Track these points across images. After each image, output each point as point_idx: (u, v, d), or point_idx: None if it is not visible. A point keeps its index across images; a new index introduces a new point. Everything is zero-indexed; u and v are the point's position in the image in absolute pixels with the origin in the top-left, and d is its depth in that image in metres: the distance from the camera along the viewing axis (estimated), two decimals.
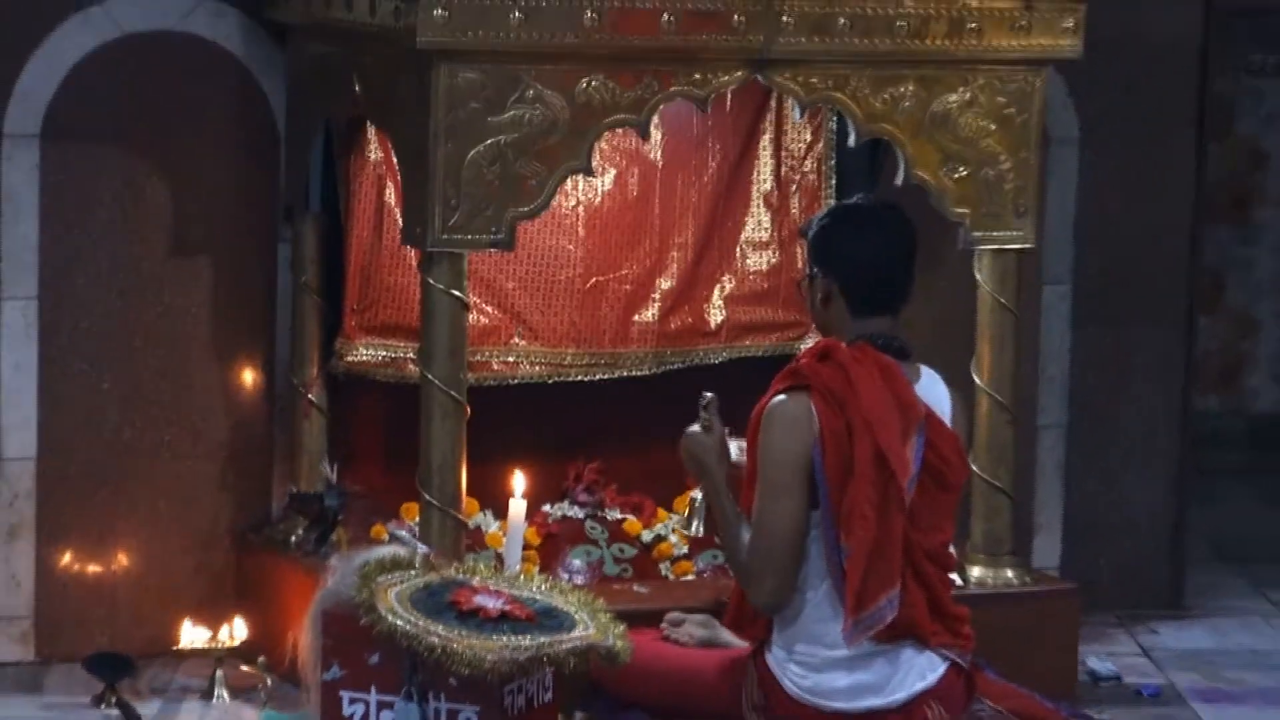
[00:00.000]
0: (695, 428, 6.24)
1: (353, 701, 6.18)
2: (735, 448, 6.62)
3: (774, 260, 7.49)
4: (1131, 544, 7.95)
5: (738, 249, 7.57)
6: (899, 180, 6.91)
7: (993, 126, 6.82)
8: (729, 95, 6.93)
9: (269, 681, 6.90)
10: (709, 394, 6.28)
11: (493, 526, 6.79)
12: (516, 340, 7.29)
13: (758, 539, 6.10)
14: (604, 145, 6.77)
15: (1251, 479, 9.72)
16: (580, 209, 7.26)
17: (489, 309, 7.09)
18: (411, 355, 6.75)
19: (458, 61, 6.40)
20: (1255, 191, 10.26)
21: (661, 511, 7.26)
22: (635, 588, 6.95)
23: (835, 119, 7.16)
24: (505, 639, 6.04)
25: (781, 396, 6.01)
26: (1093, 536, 7.82)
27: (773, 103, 7.28)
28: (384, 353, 7.20)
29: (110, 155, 7.23)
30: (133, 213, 7.26)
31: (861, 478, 6.03)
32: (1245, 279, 10.26)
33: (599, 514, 7.21)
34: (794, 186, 7.56)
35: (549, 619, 6.18)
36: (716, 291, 7.55)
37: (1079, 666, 7.12)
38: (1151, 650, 7.62)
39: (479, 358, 6.90)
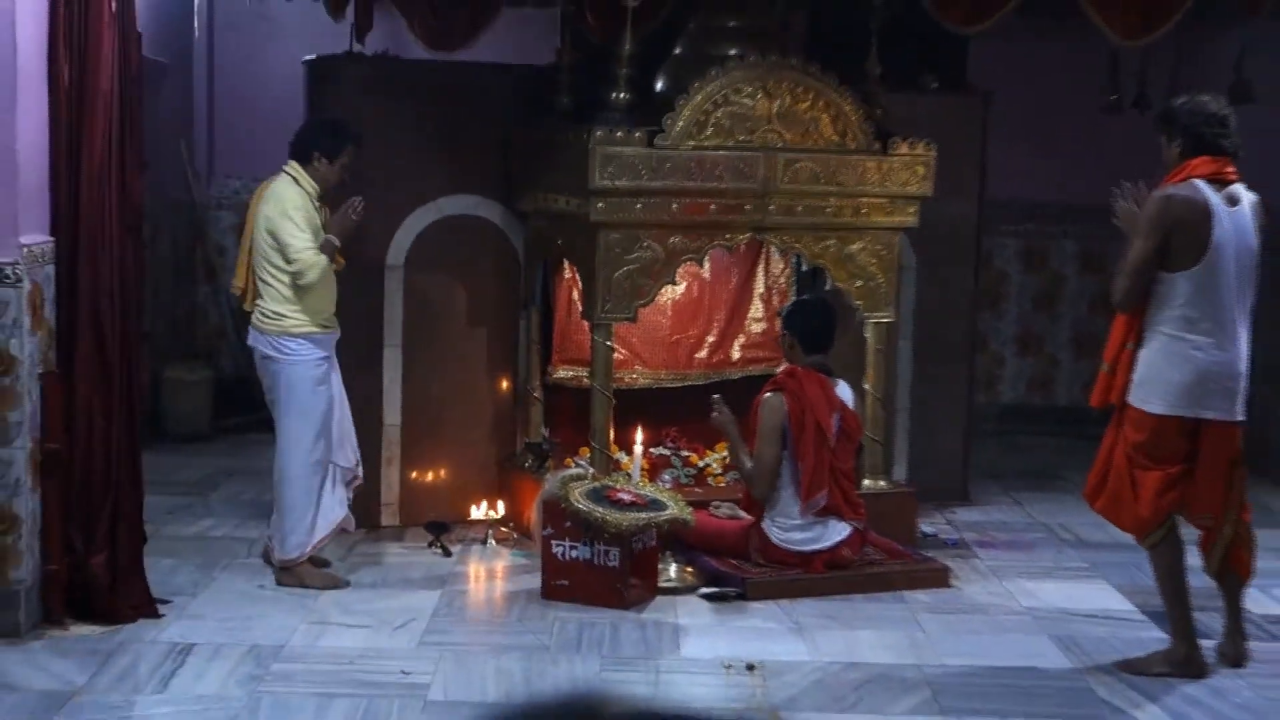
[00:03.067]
0: (715, 413, 6.75)
1: (556, 546, 6.50)
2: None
3: (765, 326, 7.96)
4: (943, 468, 8.29)
5: (746, 320, 8.01)
6: (828, 286, 7.37)
7: (875, 261, 7.22)
8: (743, 245, 7.26)
9: (515, 536, 7.36)
10: (716, 395, 6.84)
11: (625, 459, 7.09)
12: (637, 368, 7.75)
13: (757, 464, 6.77)
14: (681, 269, 7.13)
15: (999, 438, 9.88)
16: (669, 301, 7.72)
17: (623, 351, 7.52)
18: (585, 374, 7.19)
19: (610, 230, 6.80)
20: (1003, 297, 10.51)
21: (707, 451, 7.67)
22: (694, 489, 7.32)
23: (795, 257, 7.59)
24: (632, 514, 6.44)
25: (769, 394, 6.77)
26: (924, 464, 8.17)
27: (764, 249, 7.69)
28: (572, 373, 7.62)
29: (436, 274, 7.57)
30: (451, 305, 7.61)
31: (807, 435, 6.69)
32: (995, 338, 10.55)
33: (677, 453, 7.63)
34: (774, 290, 8.03)
35: (654, 504, 6.60)
36: (736, 343, 8.02)
37: (917, 529, 7.54)
38: (952, 521, 8.06)
39: (618, 376, 7.23)
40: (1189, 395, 5.55)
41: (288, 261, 6.35)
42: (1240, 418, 5.66)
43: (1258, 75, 8.51)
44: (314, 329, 6.48)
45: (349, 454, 6.73)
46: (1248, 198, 5.60)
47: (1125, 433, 5.68)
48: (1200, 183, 5.52)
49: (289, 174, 6.51)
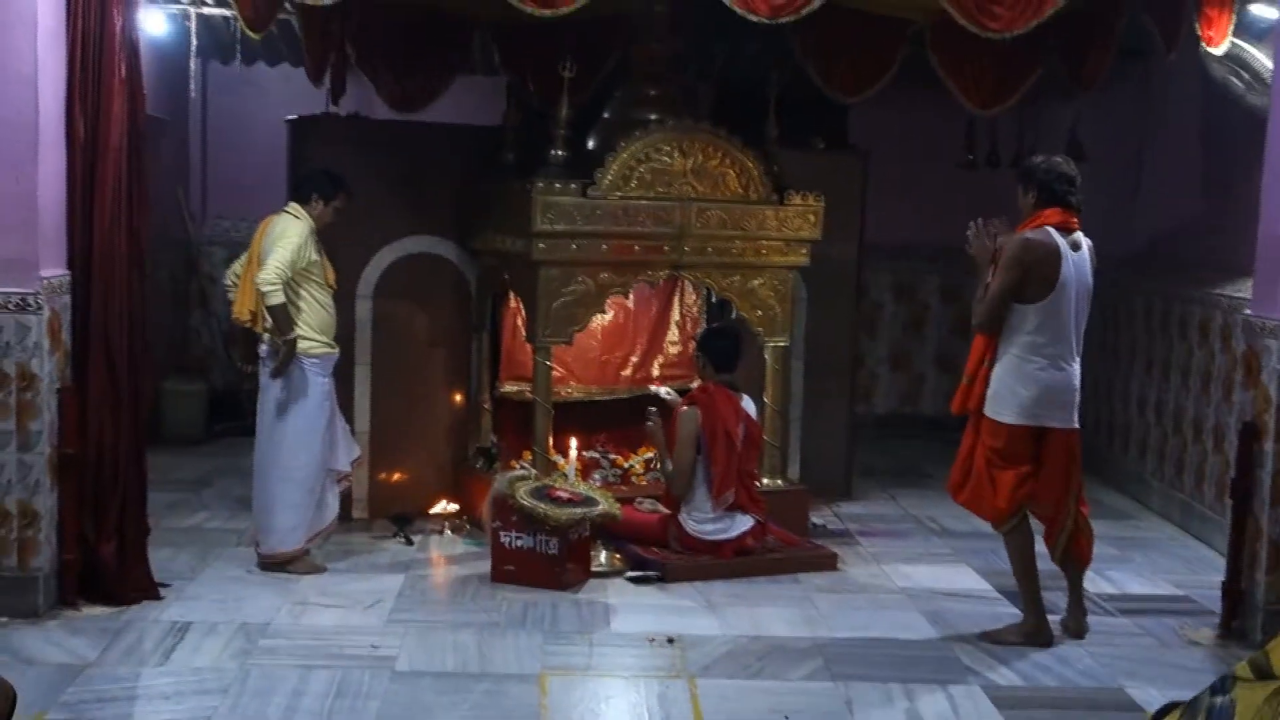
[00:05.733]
0: (649, 423, 6.79)
1: (504, 536, 6.47)
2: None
3: (680, 349, 7.94)
4: (829, 468, 8.26)
5: (665, 343, 7.97)
6: (734, 315, 7.33)
7: (773, 294, 7.22)
8: (662, 279, 7.29)
9: (468, 527, 7.31)
10: (652, 408, 6.94)
11: (562, 461, 6.98)
12: (572, 383, 7.64)
13: (677, 465, 6.82)
14: (609, 300, 7.11)
15: (875, 442, 9.85)
16: (599, 326, 7.63)
17: (560, 369, 7.38)
18: (528, 389, 7.15)
19: (549, 266, 6.78)
20: (878, 323, 10.60)
21: (631, 455, 7.63)
22: (620, 488, 7.25)
23: (706, 290, 7.53)
24: (569, 509, 6.44)
25: (685, 408, 6.89)
26: (813, 465, 8.12)
27: (680, 283, 7.70)
28: (517, 388, 7.54)
29: (400, 302, 7.50)
30: (413, 329, 7.54)
31: (718, 442, 6.77)
32: (872, 357, 10.61)
33: (606, 456, 7.57)
34: (688, 318, 8.01)
35: (587, 500, 6.59)
36: (656, 362, 7.97)
37: (809, 521, 7.50)
38: (838, 513, 8.05)
39: (555, 390, 7.13)
40: (1034, 407, 5.64)
41: (260, 270, 6.27)
42: (1075, 426, 5.76)
43: (1087, 137, 8.71)
44: (325, 349, 6.47)
45: (343, 458, 6.69)
46: (1086, 243, 5.73)
47: (983, 439, 5.75)
48: (1052, 229, 5.61)
49: (290, 212, 6.46)
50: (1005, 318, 5.64)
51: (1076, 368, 5.71)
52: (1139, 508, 8.40)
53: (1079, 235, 5.69)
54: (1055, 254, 5.58)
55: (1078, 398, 5.75)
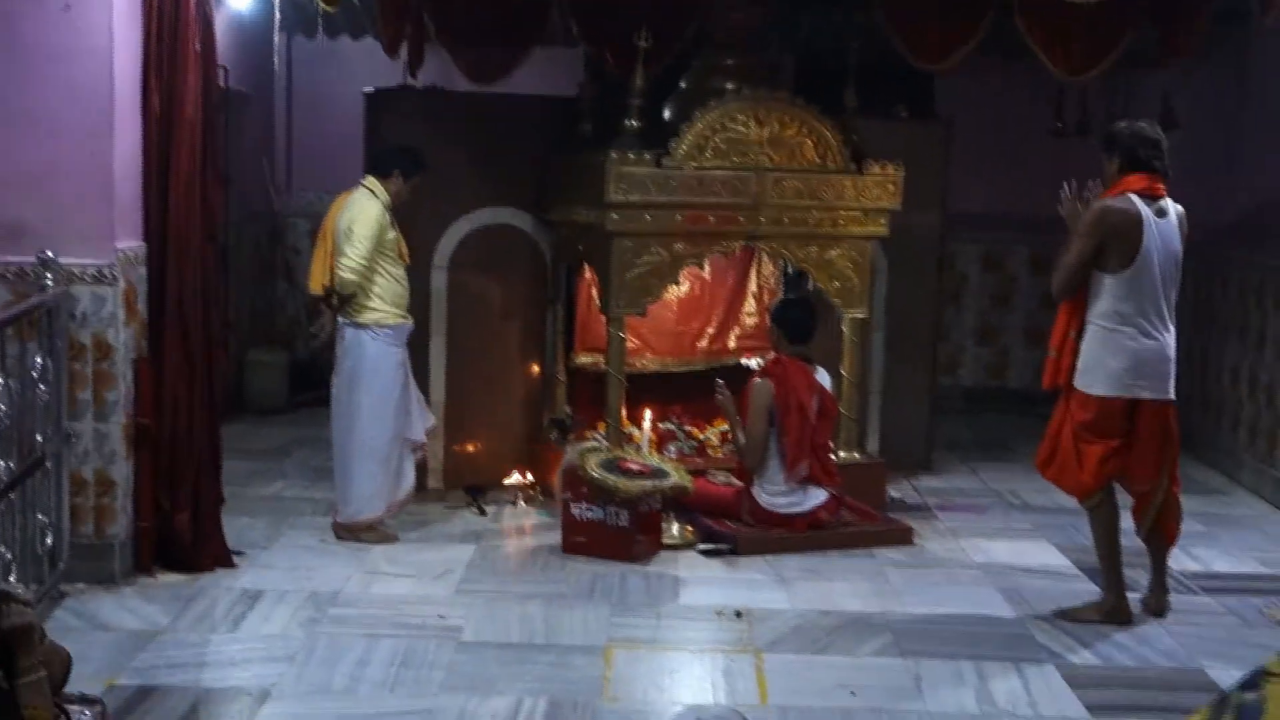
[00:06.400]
0: (719, 395, 6.75)
1: (574, 508, 6.48)
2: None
3: (756, 320, 7.86)
4: (909, 442, 8.19)
5: (741, 315, 7.92)
6: (810, 286, 7.32)
7: (850, 265, 7.14)
8: (738, 250, 7.25)
9: (540, 499, 7.33)
10: (720, 380, 6.87)
11: (636, 433, 7.04)
12: (647, 355, 7.65)
13: (749, 439, 6.77)
14: (684, 271, 7.10)
15: (960, 415, 9.84)
16: (675, 297, 7.63)
17: (635, 340, 7.39)
18: (602, 361, 7.07)
19: (623, 238, 6.77)
20: (964, 294, 10.47)
21: (707, 427, 7.59)
22: (695, 459, 7.24)
23: (783, 261, 7.39)
24: (639, 481, 6.44)
25: (758, 380, 6.85)
26: (893, 438, 8.08)
27: (756, 253, 7.59)
28: (591, 359, 7.52)
29: (476, 274, 7.52)
30: (488, 300, 7.54)
31: (791, 414, 6.73)
32: (958, 329, 10.47)
33: (682, 428, 7.54)
34: (765, 289, 7.94)
35: (658, 473, 6.59)
36: (733, 334, 7.93)
37: (886, 494, 7.46)
38: (917, 487, 7.96)
39: (630, 362, 7.13)
40: (1125, 378, 5.51)
41: (338, 259, 6.35)
42: (1170, 397, 5.60)
43: (1182, 106, 8.48)
44: (398, 320, 6.49)
45: (418, 428, 6.70)
46: (1174, 211, 5.57)
47: (1072, 411, 5.63)
48: (1134, 196, 5.48)
49: (367, 188, 6.49)
50: (1084, 285, 5.52)
51: (1170, 337, 5.56)
52: (1229, 483, 8.23)
53: (1166, 202, 5.54)
54: (1136, 221, 5.45)
55: (1172, 368, 5.60)
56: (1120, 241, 5.45)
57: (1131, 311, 5.47)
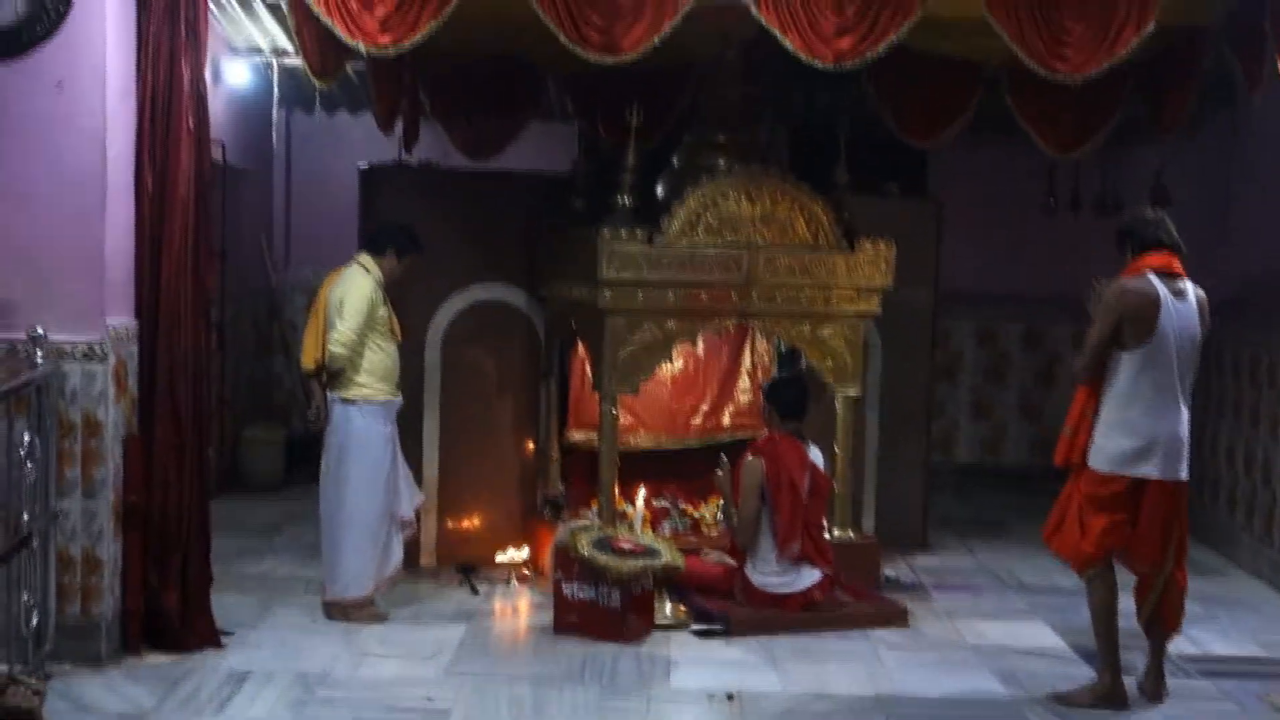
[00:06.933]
0: (719, 472, 6.67)
1: (566, 587, 6.43)
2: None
3: (750, 398, 7.82)
4: (904, 519, 8.15)
5: (736, 391, 7.88)
6: (803, 364, 7.28)
7: (844, 343, 7.09)
8: (732, 328, 7.22)
9: (533, 577, 7.27)
10: (724, 456, 6.81)
11: (630, 510, 6.97)
12: (642, 431, 7.63)
13: (740, 515, 6.72)
14: (677, 348, 7.08)
15: (955, 492, 9.79)
16: (669, 374, 7.63)
17: (629, 417, 7.42)
18: (594, 438, 7.07)
19: (615, 315, 6.74)
20: (959, 370, 10.46)
21: (701, 504, 7.53)
22: (689, 538, 7.20)
23: (776, 338, 7.35)
24: (631, 561, 6.37)
25: (749, 458, 6.80)
26: (889, 516, 8.01)
27: (751, 330, 7.51)
28: (585, 436, 7.50)
29: (469, 349, 7.51)
30: (481, 376, 7.55)
31: (783, 492, 6.67)
32: (953, 405, 10.41)
33: (676, 505, 7.49)
34: (759, 365, 7.92)
35: (650, 551, 6.52)
36: (727, 411, 7.88)
37: (880, 573, 7.36)
38: (913, 566, 7.90)
39: (625, 438, 7.19)
40: (1134, 457, 5.50)
41: (329, 333, 6.36)
42: (1180, 478, 5.57)
43: (1174, 182, 8.52)
44: (387, 396, 6.48)
45: (406, 505, 6.66)
46: (1194, 293, 5.58)
47: (1081, 485, 5.63)
48: (1152, 276, 5.50)
49: (360, 264, 6.51)
50: (1104, 366, 5.52)
51: (1183, 418, 5.54)
52: (1227, 563, 8.12)
53: (1185, 284, 5.55)
54: (1152, 300, 5.44)
55: (1185, 449, 5.57)
56: (1137, 319, 5.43)
57: (1146, 390, 5.46)
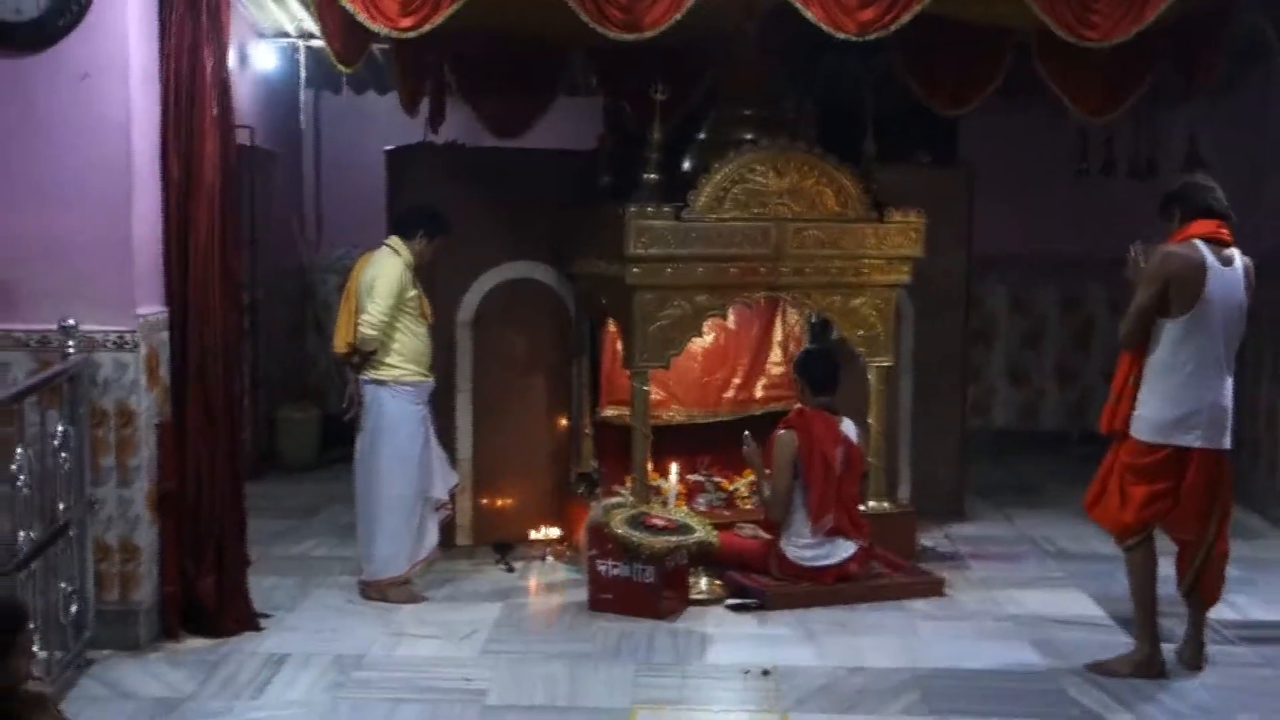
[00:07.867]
0: (744, 448, 6.61)
1: (600, 565, 6.45)
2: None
3: (783, 369, 7.75)
4: (941, 488, 8.09)
5: (767, 364, 7.85)
6: (834, 335, 7.21)
7: (875, 313, 7.07)
8: (762, 300, 7.22)
9: (568, 554, 7.25)
10: (747, 432, 6.78)
11: (664, 485, 6.98)
12: (674, 406, 7.60)
13: (773, 491, 6.67)
14: (707, 322, 6.99)
15: (993, 459, 9.63)
16: (700, 348, 7.56)
17: (661, 392, 7.40)
18: (627, 413, 7.01)
19: (644, 291, 6.70)
20: (994, 335, 10.37)
21: (736, 478, 7.51)
22: (724, 512, 7.21)
23: (807, 309, 7.27)
24: (664, 538, 6.39)
25: (781, 432, 6.76)
26: (925, 486, 7.99)
27: (782, 302, 7.49)
28: (617, 412, 7.46)
29: (500, 328, 7.50)
30: (513, 354, 7.54)
31: (815, 466, 6.65)
32: (988, 370, 10.37)
33: (710, 479, 7.48)
34: (790, 337, 7.86)
35: (684, 528, 6.53)
36: (759, 383, 7.84)
37: (917, 544, 7.33)
38: (950, 535, 7.85)
39: (657, 413, 7.18)
40: (1176, 426, 5.43)
41: (360, 315, 6.38)
42: (1224, 447, 5.49)
43: (1208, 144, 8.41)
44: (419, 378, 6.49)
45: (440, 486, 6.67)
46: (1240, 261, 5.50)
47: (1122, 454, 5.58)
48: (1199, 242, 5.42)
49: (390, 247, 6.50)
50: (1149, 333, 5.46)
51: (1227, 387, 5.47)
52: (1270, 526, 8.01)
53: (1233, 251, 5.46)
54: (1198, 267, 5.37)
55: (1229, 418, 5.50)
56: (1182, 287, 5.36)
57: (1189, 359, 5.40)
